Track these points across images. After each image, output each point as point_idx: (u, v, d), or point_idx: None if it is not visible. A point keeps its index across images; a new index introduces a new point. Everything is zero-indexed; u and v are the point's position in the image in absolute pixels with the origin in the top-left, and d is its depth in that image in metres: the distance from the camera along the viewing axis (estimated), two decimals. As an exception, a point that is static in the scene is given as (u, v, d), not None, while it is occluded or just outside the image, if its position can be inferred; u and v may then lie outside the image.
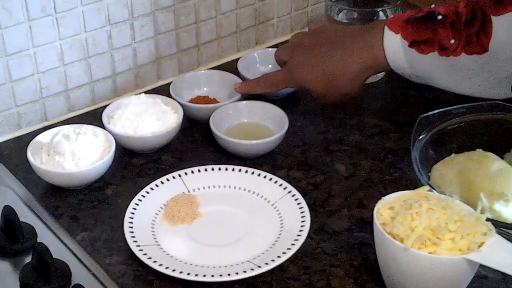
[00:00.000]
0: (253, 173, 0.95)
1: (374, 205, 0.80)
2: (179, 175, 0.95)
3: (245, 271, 0.82)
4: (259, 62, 1.15)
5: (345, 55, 0.97)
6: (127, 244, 0.85)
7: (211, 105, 1.05)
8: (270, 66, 1.15)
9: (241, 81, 1.09)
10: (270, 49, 1.17)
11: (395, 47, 0.93)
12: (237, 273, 0.81)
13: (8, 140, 1.03)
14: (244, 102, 1.05)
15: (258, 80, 1.05)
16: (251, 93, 1.05)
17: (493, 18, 0.88)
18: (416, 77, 0.96)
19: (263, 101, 1.06)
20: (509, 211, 0.86)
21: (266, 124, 1.04)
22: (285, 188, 0.93)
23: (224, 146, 1.00)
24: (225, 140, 0.98)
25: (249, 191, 0.94)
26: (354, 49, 0.96)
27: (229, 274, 0.81)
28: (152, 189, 0.93)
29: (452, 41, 0.90)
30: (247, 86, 1.05)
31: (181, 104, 1.03)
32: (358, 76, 0.97)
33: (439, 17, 0.91)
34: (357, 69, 0.97)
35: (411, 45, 0.92)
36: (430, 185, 0.83)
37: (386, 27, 0.94)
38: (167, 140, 1.00)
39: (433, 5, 0.93)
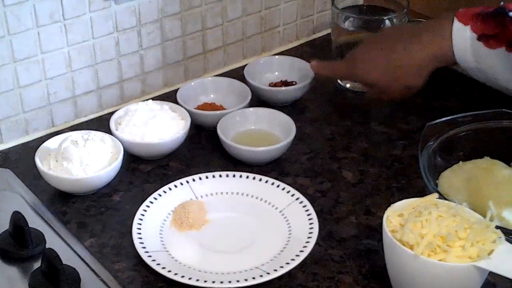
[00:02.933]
0: (260, 179, 0.95)
1: (382, 212, 0.80)
2: (187, 182, 0.95)
3: (254, 278, 0.82)
4: (265, 69, 1.15)
5: (412, 46, 0.97)
6: (136, 250, 0.85)
7: (218, 112, 1.05)
8: (276, 73, 1.15)
9: (248, 88, 1.09)
10: (276, 56, 1.17)
11: (463, 39, 0.93)
12: (246, 280, 0.81)
13: (16, 146, 1.04)
14: (251, 109, 1.06)
15: (327, 65, 1.07)
16: (320, 74, 1.08)
17: None
18: (478, 72, 0.95)
19: (270, 108, 1.06)
20: (517, 219, 0.86)
21: (273, 131, 1.04)
22: (292, 195, 0.93)
23: (231, 153, 1.00)
24: (232, 146, 0.99)
25: (256, 197, 0.94)
26: (422, 39, 0.96)
27: (238, 281, 0.81)
28: (160, 195, 0.93)
29: None
30: (319, 66, 1.08)
31: (188, 111, 1.03)
32: (423, 67, 0.97)
33: (511, 13, 0.90)
34: (423, 59, 0.96)
35: (479, 38, 0.92)
36: (439, 193, 0.83)
37: (455, 18, 0.93)
38: (175, 146, 1.01)
39: (502, 3, 0.92)
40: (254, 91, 1.09)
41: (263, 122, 1.05)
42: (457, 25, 0.93)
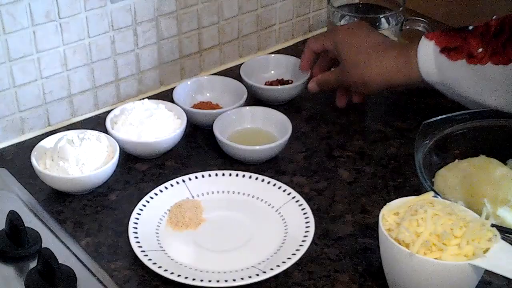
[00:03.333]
0: (256, 178, 0.95)
1: (378, 211, 0.80)
2: (183, 181, 0.95)
3: (250, 277, 0.82)
4: (262, 68, 1.15)
5: (385, 54, 1.02)
6: (132, 250, 0.85)
7: (214, 111, 1.05)
8: (272, 71, 1.16)
9: (244, 86, 1.09)
10: (272, 55, 1.17)
11: (427, 53, 0.97)
12: (242, 279, 0.81)
13: (12, 145, 1.04)
14: (247, 107, 1.06)
15: (317, 80, 1.09)
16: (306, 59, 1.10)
17: None
18: (443, 86, 0.98)
19: (266, 107, 1.06)
20: (513, 217, 0.86)
21: (270, 129, 1.04)
22: (289, 194, 0.93)
23: (228, 152, 1.00)
24: (228, 145, 0.99)
25: (253, 196, 0.94)
26: (390, 53, 1.01)
27: (234, 280, 0.81)
28: (156, 194, 0.93)
29: (480, 50, 0.94)
30: (302, 56, 1.11)
31: (184, 110, 1.03)
32: (388, 78, 1.02)
33: (470, 27, 0.95)
34: (391, 69, 1.01)
35: (442, 51, 0.96)
36: (434, 191, 0.83)
37: (423, 36, 0.99)
38: (171, 145, 1.01)
39: (471, 27, 0.97)
40: (250, 90, 1.09)
41: (260, 121, 1.05)
42: (423, 41, 0.98)
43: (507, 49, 0.92)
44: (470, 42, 0.94)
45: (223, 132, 1.01)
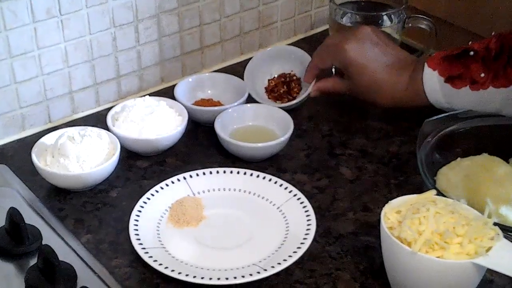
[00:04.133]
0: (258, 176, 0.95)
1: (380, 209, 0.80)
2: (184, 178, 0.95)
3: (251, 274, 0.81)
4: (264, 64, 1.14)
5: (394, 75, 1.02)
6: (133, 247, 0.85)
7: (215, 108, 1.05)
8: (276, 66, 1.15)
9: (245, 84, 1.08)
10: (275, 49, 1.16)
11: (432, 83, 0.99)
12: (243, 276, 0.81)
13: (12, 141, 1.03)
14: (249, 105, 1.05)
15: (311, 60, 1.08)
16: (312, 72, 1.08)
17: None
18: (453, 109, 0.99)
19: (268, 104, 1.06)
20: (515, 216, 0.86)
21: (271, 127, 1.04)
22: (290, 192, 0.92)
23: (229, 149, 1.00)
24: (229, 142, 0.98)
25: (254, 194, 0.94)
26: (401, 74, 1.02)
27: (235, 277, 0.81)
28: (157, 191, 0.92)
29: (482, 75, 0.95)
30: (307, 70, 1.08)
31: (185, 107, 1.03)
32: (392, 98, 1.03)
33: (471, 53, 0.96)
34: (400, 94, 1.02)
35: (447, 80, 0.97)
36: (437, 189, 0.83)
37: (426, 64, 0.99)
38: (172, 142, 1.00)
39: (470, 42, 0.98)
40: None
41: (261, 119, 1.05)
42: (426, 71, 0.99)
43: (507, 71, 0.94)
44: (472, 68, 0.95)
45: (224, 129, 1.00)
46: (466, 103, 0.97)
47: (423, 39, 1.18)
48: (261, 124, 1.04)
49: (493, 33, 0.96)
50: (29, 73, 1.01)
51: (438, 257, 0.73)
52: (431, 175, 0.90)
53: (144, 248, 0.84)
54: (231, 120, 1.03)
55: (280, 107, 1.06)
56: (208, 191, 0.94)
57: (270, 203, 0.92)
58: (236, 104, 1.05)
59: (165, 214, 0.91)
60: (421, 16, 1.14)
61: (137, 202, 0.90)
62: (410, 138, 1.02)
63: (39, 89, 1.03)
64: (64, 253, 0.83)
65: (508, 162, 0.93)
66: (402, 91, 1.01)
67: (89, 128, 0.97)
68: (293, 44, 1.26)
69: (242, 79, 1.10)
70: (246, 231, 0.89)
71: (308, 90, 1.08)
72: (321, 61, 1.06)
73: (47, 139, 0.97)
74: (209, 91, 1.11)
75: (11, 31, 0.97)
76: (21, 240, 0.84)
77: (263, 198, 0.93)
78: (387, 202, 0.80)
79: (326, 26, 1.27)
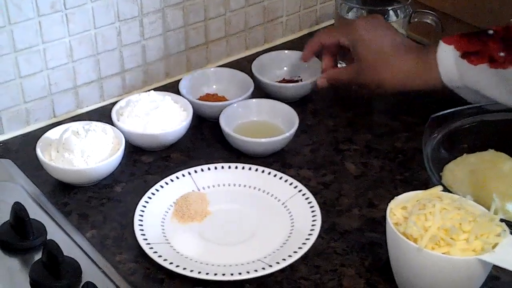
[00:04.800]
0: (263, 171, 0.95)
1: (385, 205, 0.79)
2: (189, 173, 0.94)
3: (256, 270, 0.81)
4: (274, 64, 1.14)
5: (405, 57, 1.00)
6: (137, 242, 0.84)
7: (220, 103, 1.05)
8: (285, 68, 1.14)
9: (250, 79, 1.08)
10: (286, 51, 1.15)
11: (447, 57, 0.96)
12: (248, 272, 0.81)
13: (17, 136, 1.03)
14: (254, 100, 1.05)
15: (328, 76, 1.06)
16: (313, 47, 1.08)
17: None
18: (464, 90, 0.97)
19: (273, 100, 1.05)
20: (521, 212, 0.85)
21: (276, 122, 1.03)
22: (295, 187, 0.92)
23: (234, 144, 0.99)
24: (234, 138, 0.98)
25: (259, 189, 0.93)
26: (412, 56, 0.99)
27: (239, 273, 0.81)
28: (162, 186, 0.92)
29: (502, 54, 0.93)
30: (309, 44, 1.08)
31: (190, 102, 1.03)
32: (404, 80, 1.00)
33: (490, 31, 0.94)
34: (408, 75, 1.00)
35: (463, 56, 0.95)
36: (443, 185, 0.82)
37: (441, 41, 0.97)
38: (177, 137, 1.00)
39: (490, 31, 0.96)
40: (262, 87, 1.08)
41: (266, 114, 1.04)
42: (442, 46, 0.97)
43: None
44: (490, 46, 0.94)
45: (229, 124, 1.00)
46: (482, 80, 0.94)
47: (428, 34, 1.17)
48: (266, 119, 1.04)
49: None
50: (34, 67, 1.01)
51: (444, 253, 0.73)
52: (437, 171, 0.90)
53: (148, 244, 0.84)
54: (236, 115, 1.03)
55: (281, 85, 1.06)
56: (213, 186, 0.94)
57: (275, 198, 0.92)
58: (241, 99, 1.04)
59: (169, 209, 0.90)
60: (426, 11, 1.13)
61: (141, 197, 0.90)
62: (416, 134, 1.01)
63: (43, 84, 1.03)
64: (68, 248, 0.83)
65: (514, 158, 0.92)
66: (412, 67, 0.98)
67: (94, 123, 0.97)
68: (298, 39, 1.26)
69: (247, 74, 1.10)
70: (251, 227, 0.88)
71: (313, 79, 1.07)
72: (327, 36, 1.05)
73: (52, 134, 0.96)
74: (214, 86, 1.10)
75: (16, 25, 0.97)
76: (26, 235, 0.84)
77: (268, 193, 0.93)
78: (392, 198, 0.80)
79: (332, 21, 1.27)
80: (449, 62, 0.96)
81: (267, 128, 1.03)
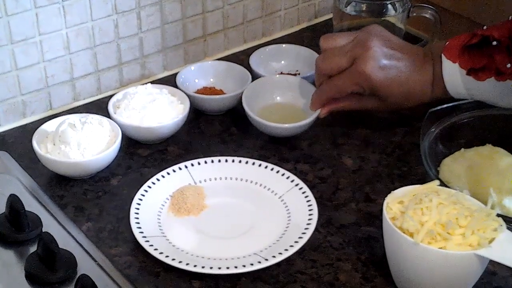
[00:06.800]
0: (260, 165, 0.94)
1: (382, 199, 0.79)
2: (186, 166, 0.94)
3: (252, 264, 0.81)
4: (271, 58, 1.14)
5: (419, 78, 0.96)
6: (133, 235, 0.84)
7: (217, 96, 1.04)
8: (282, 62, 1.14)
9: (248, 72, 1.07)
10: (284, 45, 1.15)
11: (453, 76, 0.94)
12: (244, 266, 0.81)
13: (13, 128, 1.03)
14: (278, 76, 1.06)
15: (324, 88, 0.99)
16: (323, 103, 1.00)
17: None
18: (473, 99, 0.96)
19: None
20: (518, 207, 0.85)
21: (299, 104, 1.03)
22: (292, 181, 0.92)
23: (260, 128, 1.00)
24: (260, 123, 0.98)
25: (256, 183, 0.93)
26: (424, 73, 0.96)
27: (236, 267, 0.81)
28: (158, 180, 0.92)
29: (509, 65, 0.90)
30: (318, 98, 1.00)
31: (187, 95, 1.02)
32: (421, 100, 0.98)
33: (494, 42, 0.91)
34: (424, 94, 0.97)
35: (469, 72, 0.93)
36: (440, 180, 0.82)
37: (443, 56, 0.94)
38: (173, 130, 1.00)
39: (485, 27, 0.93)
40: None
41: (289, 94, 1.05)
42: (446, 63, 0.94)
43: None
44: (496, 59, 0.91)
45: (252, 107, 1.00)
46: (491, 93, 0.93)
47: (427, 28, 1.17)
48: (289, 102, 1.05)
49: (510, 18, 0.91)
50: (31, 59, 1.01)
51: (440, 248, 0.73)
52: (435, 165, 0.90)
53: (144, 237, 0.84)
54: (258, 97, 1.03)
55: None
56: (210, 180, 0.94)
57: (272, 192, 0.92)
58: (238, 92, 1.03)
59: (166, 202, 0.90)
60: (425, 5, 1.13)
61: (138, 190, 0.90)
62: (414, 129, 1.01)
63: (40, 76, 1.02)
64: (64, 241, 0.83)
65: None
66: (429, 91, 0.96)
67: (91, 115, 0.96)
68: (296, 33, 1.26)
69: (245, 67, 1.09)
70: (248, 221, 0.88)
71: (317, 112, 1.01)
72: (339, 91, 0.97)
73: (48, 126, 0.96)
74: (211, 80, 1.10)
75: (12, 16, 0.96)
76: (21, 227, 0.84)
77: (265, 187, 0.93)
78: (389, 192, 0.80)
79: (330, 15, 1.26)
80: (455, 81, 0.94)
81: (289, 111, 1.03)
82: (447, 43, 0.95)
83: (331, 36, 1.00)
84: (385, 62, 0.95)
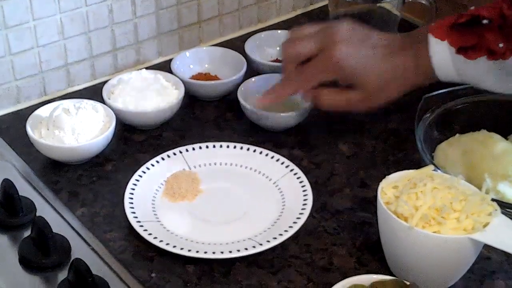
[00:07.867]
0: (254, 151, 0.94)
1: (377, 185, 0.79)
2: (180, 152, 0.94)
3: (246, 249, 0.81)
4: (266, 43, 1.13)
5: (398, 63, 0.92)
6: (127, 220, 0.84)
7: (212, 82, 1.04)
8: (278, 48, 1.13)
9: (243, 58, 1.07)
10: (279, 31, 1.14)
11: (441, 55, 0.89)
12: (238, 250, 0.81)
13: (7, 114, 1.02)
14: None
15: (290, 76, 0.95)
16: (280, 99, 0.96)
17: None
18: (463, 82, 0.92)
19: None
20: (513, 192, 0.85)
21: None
22: (287, 167, 0.92)
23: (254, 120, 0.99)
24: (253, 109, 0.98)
25: (250, 168, 0.93)
26: (403, 57, 0.92)
27: (230, 251, 0.81)
28: (152, 165, 0.92)
29: (501, 45, 0.86)
30: (281, 89, 0.96)
31: (182, 81, 1.02)
32: (404, 86, 0.93)
33: (485, 21, 0.87)
34: (405, 79, 0.93)
35: (458, 51, 0.88)
36: (434, 165, 0.82)
37: (430, 35, 0.90)
38: (168, 116, 0.99)
39: (472, 7, 0.89)
40: (253, 66, 1.08)
41: None
42: (433, 41, 0.90)
43: None
44: (488, 38, 0.87)
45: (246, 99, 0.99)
46: (482, 73, 0.89)
47: (423, 14, 1.17)
48: None
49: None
50: (24, 44, 1.00)
51: (434, 232, 0.73)
52: (430, 151, 0.90)
53: (139, 222, 0.84)
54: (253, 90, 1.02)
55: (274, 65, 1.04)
56: (205, 165, 0.94)
57: (266, 178, 0.92)
58: (234, 78, 1.03)
59: (160, 187, 0.90)
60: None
61: (132, 175, 0.90)
62: (409, 115, 1.00)
63: (34, 61, 1.02)
64: (58, 226, 0.82)
65: (506, 139, 0.92)
66: (412, 76, 0.92)
67: (85, 100, 0.96)
68: (292, 19, 1.25)
69: (240, 53, 1.09)
70: (242, 206, 0.88)
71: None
72: (308, 80, 0.93)
73: (42, 111, 0.96)
74: (206, 65, 1.09)
75: (6, 1, 0.96)
76: (15, 212, 0.83)
77: (259, 173, 0.92)
78: (385, 177, 0.79)
79: (326, 2, 1.26)
80: (444, 60, 0.89)
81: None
82: (434, 23, 0.91)
83: (298, 27, 0.98)
84: (356, 47, 0.91)
